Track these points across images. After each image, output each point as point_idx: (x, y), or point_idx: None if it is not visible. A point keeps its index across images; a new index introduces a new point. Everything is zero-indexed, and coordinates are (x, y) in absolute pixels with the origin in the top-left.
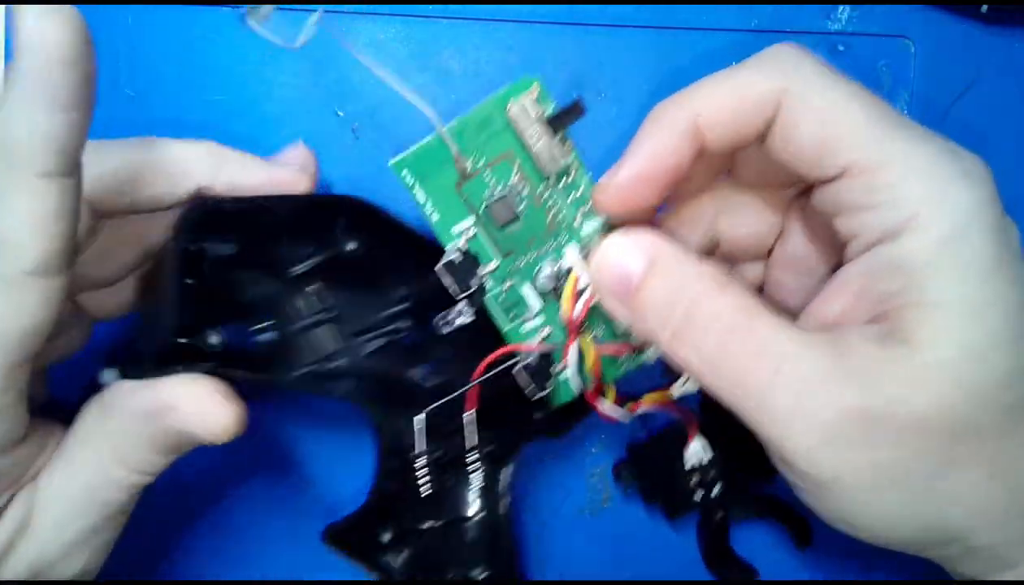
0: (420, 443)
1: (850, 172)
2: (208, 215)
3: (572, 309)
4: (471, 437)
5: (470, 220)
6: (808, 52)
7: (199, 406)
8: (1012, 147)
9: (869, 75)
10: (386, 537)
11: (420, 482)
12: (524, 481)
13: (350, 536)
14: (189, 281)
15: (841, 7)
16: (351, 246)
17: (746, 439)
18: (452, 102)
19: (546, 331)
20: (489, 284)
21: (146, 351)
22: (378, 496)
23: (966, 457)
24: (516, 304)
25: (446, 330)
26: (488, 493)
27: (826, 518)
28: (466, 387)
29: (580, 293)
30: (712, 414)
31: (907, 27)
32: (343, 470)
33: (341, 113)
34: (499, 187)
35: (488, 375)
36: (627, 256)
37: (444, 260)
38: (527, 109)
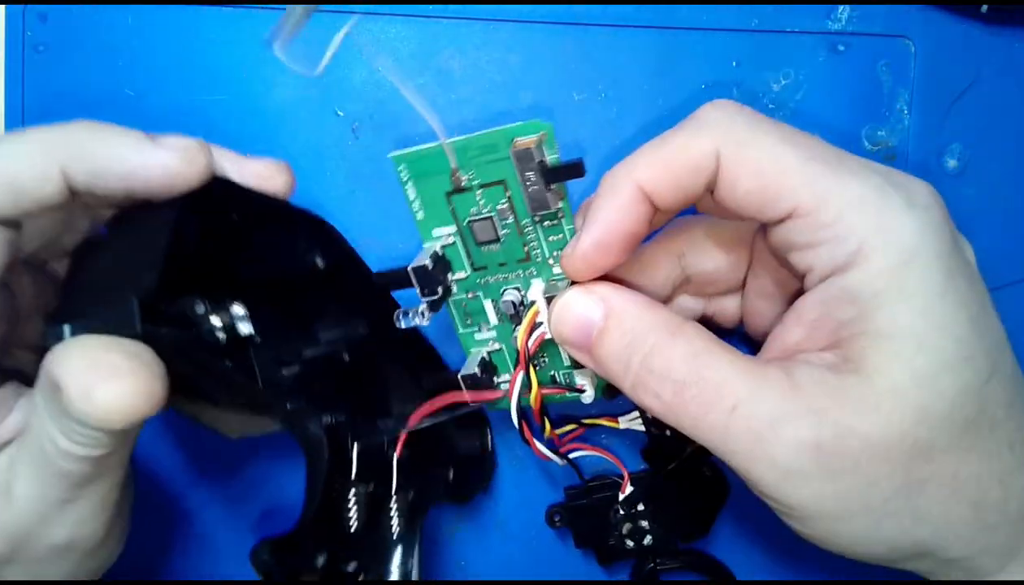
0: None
1: (794, 214)
2: (217, 190)
3: (527, 340)
4: (394, 480)
5: (452, 228)
6: (739, 107)
7: (84, 382)
8: (1012, 147)
9: (869, 75)
10: (320, 561)
11: (350, 514)
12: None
13: (284, 556)
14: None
15: (841, 7)
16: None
17: (676, 497)
18: (452, 102)
19: (495, 346)
20: (455, 289)
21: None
22: (313, 520)
23: (926, 477)
24: (476, 313)
25: (402, 325)
26: (406, 534)
27: (806, 538)
28: (400, 431)
29: (536, 327)
30: (645, 470)
31: (907, 27)
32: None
33: (341, 113)
34: (486, 208)
35: (422, 425)
36: (585, 309)
37: (416, 262)
38: (531, 152)
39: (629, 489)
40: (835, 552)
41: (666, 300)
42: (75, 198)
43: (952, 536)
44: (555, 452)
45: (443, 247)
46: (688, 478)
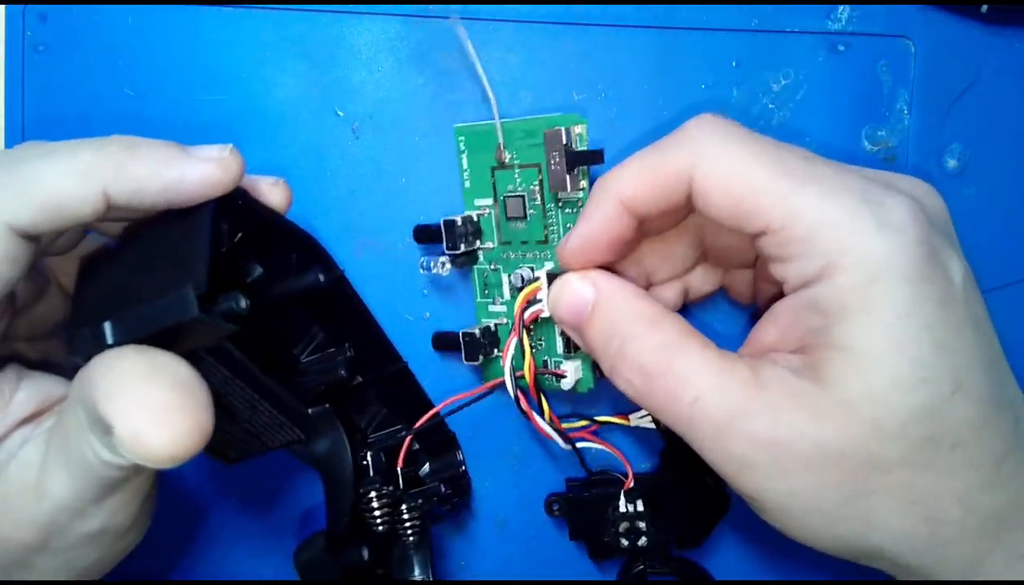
0: (369, 477)
1: (766, 230)
2: (238, 204)
3: (523, 306)
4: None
5: (490, 201)
6: (720, 122)
7: (134, 426)
8: (1012, 147)
9: (869, 75)
10: (365, 553)
11: (377, 517)
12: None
13: (332, 554)
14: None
15: (841, 7)
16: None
17: (678, 504)
18: (452, 102)
19: (503, 321)
20: (481, 257)
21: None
22: (340, 523)
23: (878, 486)
24: (493, 286)
25: (423, 272)
26: (424, 561)
27: (774, 527)
28: (406, 433)
29: (534, 302)
30: (653, 472)
31: (907, 27)
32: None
33: (341, 113)
34: (520, 187)
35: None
36: (580, 291)
37: (448, 218)
38: (560, 134)
39: (632, 487)
40: (802, 543)
41: (687, 270)
42: (109, 210)
43: (905, 547)
44: (556, 431)
45: (479, 216)
46: (692, 485)
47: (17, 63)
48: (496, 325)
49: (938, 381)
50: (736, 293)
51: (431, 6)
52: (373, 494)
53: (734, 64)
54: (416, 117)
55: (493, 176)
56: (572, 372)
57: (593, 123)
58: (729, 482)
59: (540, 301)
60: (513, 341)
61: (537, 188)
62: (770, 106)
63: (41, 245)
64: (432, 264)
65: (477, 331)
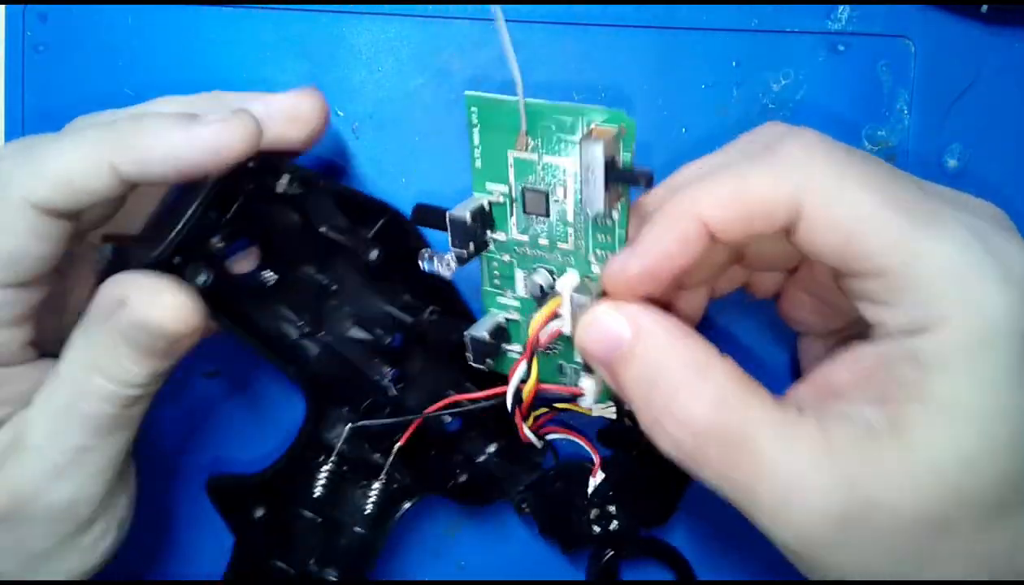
0: (341, 444)
1: (875, 272)
2: (270, 162)
3: (538, 331)
4: (381, 470)
5: (505, 188)
6: (826, 144)
7: (148, 296)
8: (1012, 147)
9: (869, 75)
10: (258, 513)
11: (318, 480)
12: None
13: (226, 496)
14: (212, 213)
15: (841, 7)
16: (373, 254)
17: (642, 483)
18: (452, 102)
19: (515, 316)
20: (491, 246)
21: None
22: (272, 474)
23: (943, 555)
24: (505, 278)
25: (424, 267)
26: (377, 518)
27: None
28: (410, 418)
29: (554, 317)
30: (614, 453)
31: (907, 27)
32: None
33: (341, 113)
34: (543, 182)
35: (442, 413)
36: (614, 326)
37: (457, 211)
38: (605, 145)
39: (600, 475)
40: None
41: (720, 274)
42: (131, 188)
43: None
44: (536, 435)
45: (491, 203)
46: (654, 463)
47: (17, 63)
48: (507, 321)
49: None
50: (756, 290)
51: (431, 6)
52: (327, 465)
53: (734, 64)
54: (416, 117)
55: (511, 161)
56: (591, 391)
57: None
58: (788, 550)
59: (559, 317)
60: (521, 365)
61: (564, 189)
62: (770, 106)
63: (73, 224)
64: (435, 259)
65: (486, 334)
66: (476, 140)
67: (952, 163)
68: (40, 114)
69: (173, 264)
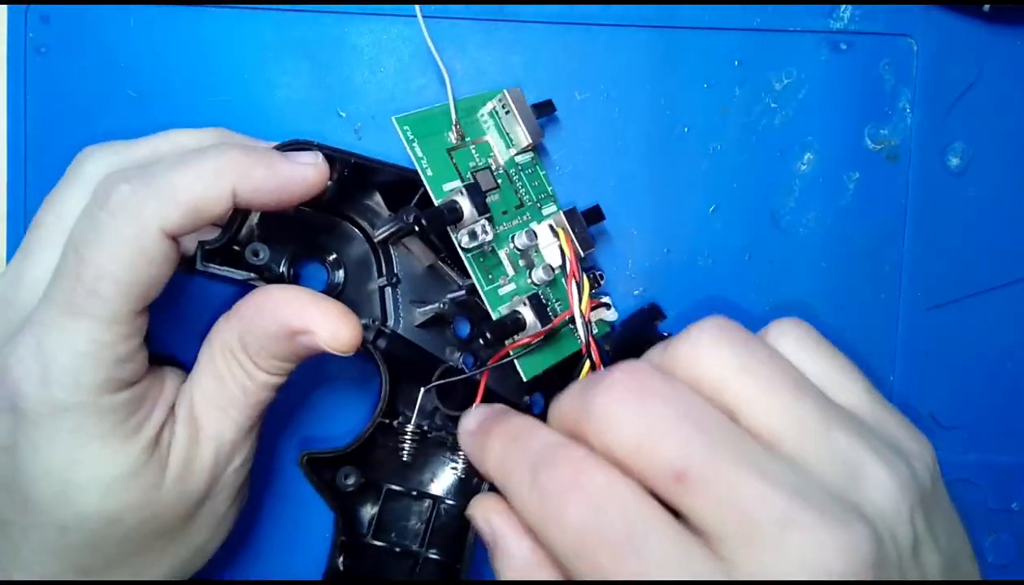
0: (418, 413)
1: None
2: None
3: (573, 249)
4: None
5: (458, 183)
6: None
7: (333, 329)
8: (1014, 145)
9: (871, 74)
10: (351, 480)
11: (404, 446)
12: None
13: (320, 468)
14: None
15: (843, 6)
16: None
17: None
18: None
19: (520, 299)
20: (473, 242)
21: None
22: (360, 444)
23: None
24: (493, 267)
25: (466, 243)
26: (465, 486)
27: None
28: (476, 371)
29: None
30: None
31: (909, 26)
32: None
33: (343, 114)
34: (481, 161)
35: (500, 362)
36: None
37: (455, 189)
38: (522, 94)
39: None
40: None
41: None
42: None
43: None
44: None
45: (465, 186)
46: None
47: (20, 65)
48: (518, 313)
49: None
50: None
51: (431, 6)
52: (409, 428)
53: (736, 63)
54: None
55: (452, 157)
56: (611, 304)
57: (595, 124)
58: None
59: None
60: (574, 285)
61: (494, 158)
62: (772, 105)
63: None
64: (475, 230)
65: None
66: (419, 153)
67: (955, 161)
68: (43, 116)
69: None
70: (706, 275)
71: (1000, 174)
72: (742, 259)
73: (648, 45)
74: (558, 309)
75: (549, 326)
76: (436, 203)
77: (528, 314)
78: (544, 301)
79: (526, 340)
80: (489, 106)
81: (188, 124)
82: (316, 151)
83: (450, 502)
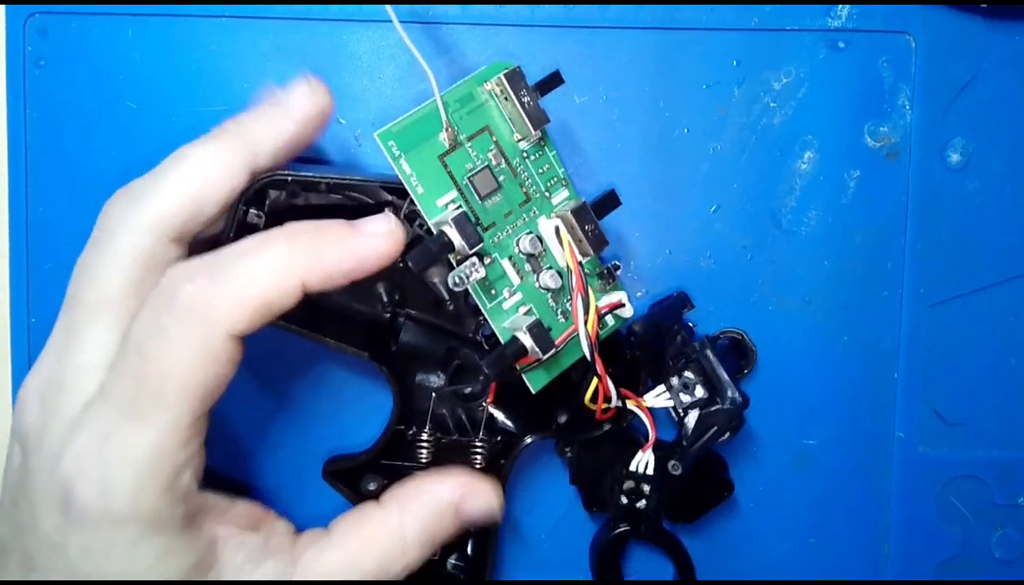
0: (430, 418)
1: None
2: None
3: (576, 258)
4: (479, 427)
5: (453, 193)
6: None
7: (485, 499)
8: (1014, 141)
9: (870, 71)
10: (371, 486)
11: (421, 449)
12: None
13: (343, 476)
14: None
15: (841, 4)
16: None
17: (685, 480)
18: None
19: (526, 310)
20: (467, 268)
21: None
22: (379, 449)
23: None
24: (497, 280)
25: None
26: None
27: None
28: (478, 403)
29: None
30: (673, 442)
31: (908, 23)
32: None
33: (343, 121)
34: (479, 159)
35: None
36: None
37: (439, 225)
38: (520, 73)
39: (649, 453)
40: None
41: None
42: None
43: None
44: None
45: (453, 219)
46: (701, 465)
47: (19, 78)
48: (517, 341)
49: None
50: None
51: (431, 6)
52: (425, 433)
53: (735, 63)
54: None
55: (445, 164)
56: (626, 299)
57: (595, 125)
58: None
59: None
60: (579, 298)
61: (495, 151)
62: (772, 104)
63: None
64: (467, 271)
65: (523, 338)
66: (408, 170)
67: (955, 158)
68: (43, 129)
69: None
70: (708, 276)
71: (1001, 169)
72: (744, 259)
73: (646, 47)
74: (568, 314)
75: (551, 352)
76: (429, 223)
77: (527, 340)
78: (546, 327)
79: (529, 360)
80: (487, 87)
81: (189, 136)
82: (388, 214)
83: None
